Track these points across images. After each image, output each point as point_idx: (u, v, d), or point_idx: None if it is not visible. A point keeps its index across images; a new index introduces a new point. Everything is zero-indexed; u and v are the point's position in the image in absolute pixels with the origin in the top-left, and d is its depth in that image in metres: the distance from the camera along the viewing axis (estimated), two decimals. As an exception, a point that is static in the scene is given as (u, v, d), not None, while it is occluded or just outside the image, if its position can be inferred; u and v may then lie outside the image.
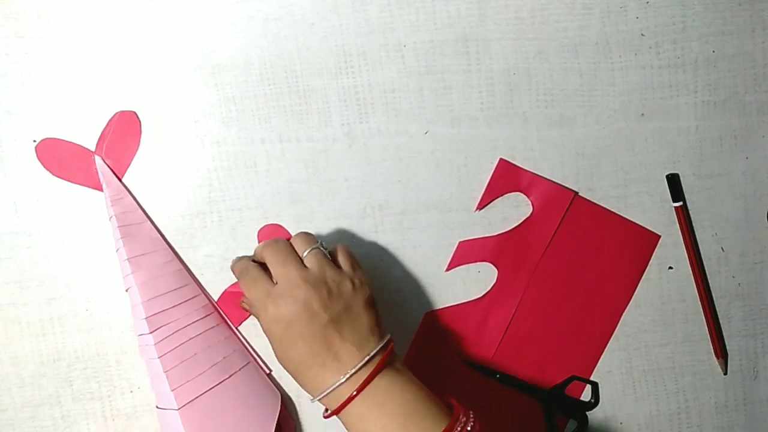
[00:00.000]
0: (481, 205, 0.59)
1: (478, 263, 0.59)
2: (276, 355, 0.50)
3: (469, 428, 0.46)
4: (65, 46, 0.56)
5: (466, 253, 0.59)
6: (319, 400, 0.49)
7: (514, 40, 0.58)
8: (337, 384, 0.47)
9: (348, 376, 0.47)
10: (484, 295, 0.59)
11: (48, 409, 0.58)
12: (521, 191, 0.59)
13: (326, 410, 0.50)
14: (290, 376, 0.52)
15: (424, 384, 0.50)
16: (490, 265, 0.59)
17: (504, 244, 0.59)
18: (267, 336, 0.50)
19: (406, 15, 0.57)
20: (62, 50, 0.56)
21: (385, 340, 0.50)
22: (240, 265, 0.53)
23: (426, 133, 0.58)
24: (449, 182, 0.59)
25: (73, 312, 0.58)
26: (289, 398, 0.59)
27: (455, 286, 0.59)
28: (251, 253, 0.57)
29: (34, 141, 0.57)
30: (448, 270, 0.59)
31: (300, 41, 0.57)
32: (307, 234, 0.53)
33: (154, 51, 0.57)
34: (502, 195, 0.59)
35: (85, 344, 0.58)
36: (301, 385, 0.50)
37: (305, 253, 0.51)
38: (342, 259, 0.52)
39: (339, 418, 0.49)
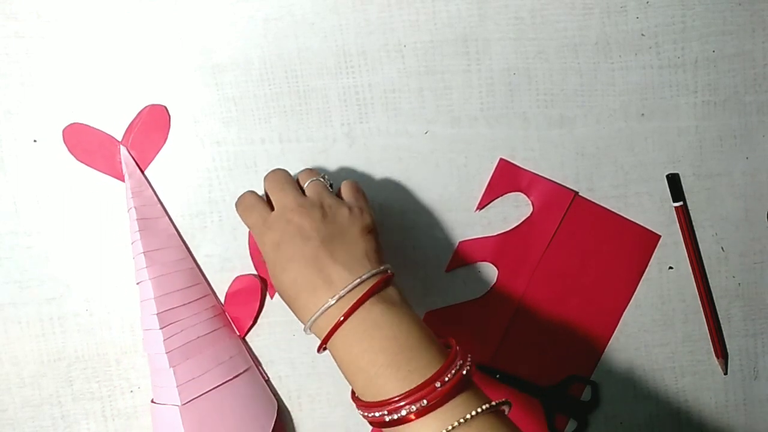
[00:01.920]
0: (481, 205, 0.59)
1: (478, 263, 0.59)
2: (273, 283, 0.49)
3: (465, 372, 0.43)
4: (65, 46, 0.56)
5: (466, 253, 0.59)
6: (310, 328, 0.47)
7: (514, 40, 0.58)
8: (326, 306, 0.45)
9: (337, 297, 0.45)
10: (484, 295, 0.59)
11: (48, 409, 0.58)
12: (521, 191, 0.59)
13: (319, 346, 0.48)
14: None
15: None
16: (490, 265, 0.59)
17: (504, 244, 0.59)
18: (266, 262, 0.49)
19: (406, 15, 0.57)
20: (62, 50, 0.56)
21: (383, 268, 0.47)
22: (241, 196, 0.53)
23: (426, 133, 0.58)
24: (449, 182, 0.59)
25: (73, 312, 0.58)
26: (286, 407, 0.59)
27: (455, 286, 0.59)
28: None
29: (35, 141, 0.57)
30: (448, 270, 0.59)
31: (300, 41, 0.57)
32: (311, 169, 0.54)
33: (154, 51, 0.57)
34: (502, 195, 0.59)
35: (85, 344, 0.58)
36: (296, 314, 0.48)
37: (306, 184, 0.51)
38: (346, 193, 0.52)
39: (330, 352, 0.47)
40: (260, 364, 0.59)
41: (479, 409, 0.41)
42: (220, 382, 0.55)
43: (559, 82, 0.58)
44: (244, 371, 0.56)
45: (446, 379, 0.42)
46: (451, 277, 0.59)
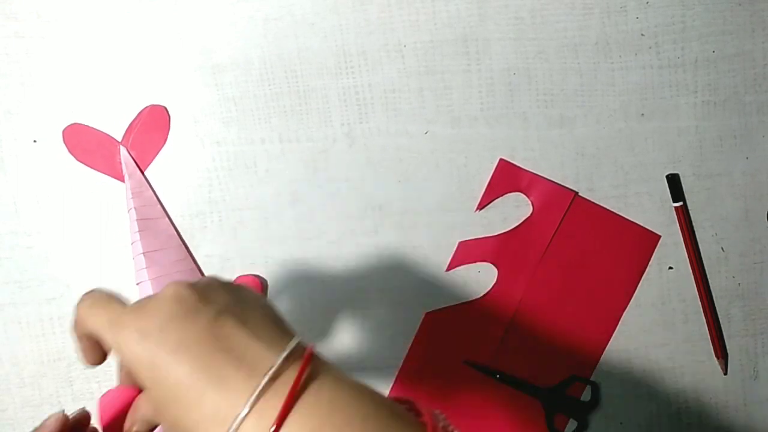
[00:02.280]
0: (481, 205, 0.59)
1: (478, 263, 0.59)
2: (150, 406, 0.35)
3: (450, 429, 0.34)
4: (65, 46, 0.56)
5: (466, 253, 0.59)
6: None
7: (514, 40, 0.58)
8: (254, 395, 0.30)
9: (266, 379, 0.31)
10: (484, 295, 0.59)
11: (48, 409, 0.58)
12: (521, 191, 0.59)
13: None
14: None
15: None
16: (490, 265, 0.59)
17: (504, 244, 0.59)
18: (133, 371, 0.33)
19: (406, 15, 0.57)
20: (62, 50, 0.56)
21: (300, 340, 0.34)
22: (86, 293, 0.37)
23: (426, 133, 0.58)
24: (449, 182, 0.59)
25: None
26: None
27: (455, 286, 0.59)
28: (250, 253, 0.57)
29: (35, 141, 0.57)
30: (448, 270, 0.59)
31: (300, 41, 0.57)
32: None
33: (154, 51, 0.57)
34: (502, 195, 0.59)
35: (85, 344, 0.58)
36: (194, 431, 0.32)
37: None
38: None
39: None
40: None
41: None
42: None
43: (559, 82, 0.58)
44: None
45: None
46: (451, 277, 0.59)
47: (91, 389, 0.58)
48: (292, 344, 0.33)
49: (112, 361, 0.59)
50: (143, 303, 0.34)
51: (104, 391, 0.58)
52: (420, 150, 0.58)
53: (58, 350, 0.58)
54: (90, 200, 0.57)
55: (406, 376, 0.59)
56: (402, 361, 0.59)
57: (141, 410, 0.37)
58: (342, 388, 0.32)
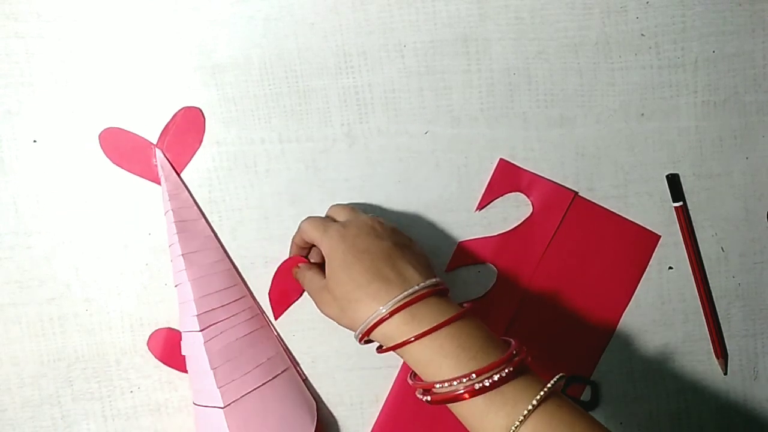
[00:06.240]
0: (481, 205, 0.59)
1: (478, 263, 0.59)
2: (330, 279, 0.49)
3: (529, 359, 0.47)
4: (65, 46, 0.56)
5: (466, 253, 0.59)
6: (374, 319, 0.46)
7: (514, 40, 0.58)
8: (406, 294, 0.46)
9: (416, 289, 0.47)
10: (484, 295, 0.59)
11: (48, 409, 0.58)
12: (521, 191, 0.59)
13: (379, 346, 0.48)
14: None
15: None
16: (490, 265, 0.59)
17: (504, 244, 0.59)
18: (327, 260, 0.50)
19: (406, 15, 0.57)
20: (62, 50, 0.56)
21: (439, 280, 0.49)
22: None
23: (426, 133, 0.58)
24: (449, 182, 0.59)
25: (73, 312, 0.58)
26: (325, 406, 0.59)
27: (455, 286, 0.59)
28: (250, 252, 0.58)
29: (35, 141, 0.57)
30: (448, 270, 0.59)
31: (300, 41, 0.57)
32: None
33: (154, 51, 0.57)
34: (502, 195, 0.59)
35: (85, 344, 0.58)
36: (352, 313, 0.48)
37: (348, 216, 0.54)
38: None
39: (398, 351, 0.46)
40: (298, 364, 0.59)
41: (542, 392, 0.45)
42: (261, 383, 0.54)
43: (559, 82, 0.58)
44: (284, 371, 0.56)
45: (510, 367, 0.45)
46: (451, 277, 0.59)
47: (91, 389, 0.58)
48: (435, 279, 0.49)
49: (110, 365, 0.59)
50: (353, 220, 0.52)
51: (104, 390, 0.59)
52: (420, 150, 0.58)
53: (58, 350, 0.58)
54: (90, 200, 0.57)
55: (406, 375, 0.59)
56: (402, 361, 0.59)
57: (313, 270, 0.54)
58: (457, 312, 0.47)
